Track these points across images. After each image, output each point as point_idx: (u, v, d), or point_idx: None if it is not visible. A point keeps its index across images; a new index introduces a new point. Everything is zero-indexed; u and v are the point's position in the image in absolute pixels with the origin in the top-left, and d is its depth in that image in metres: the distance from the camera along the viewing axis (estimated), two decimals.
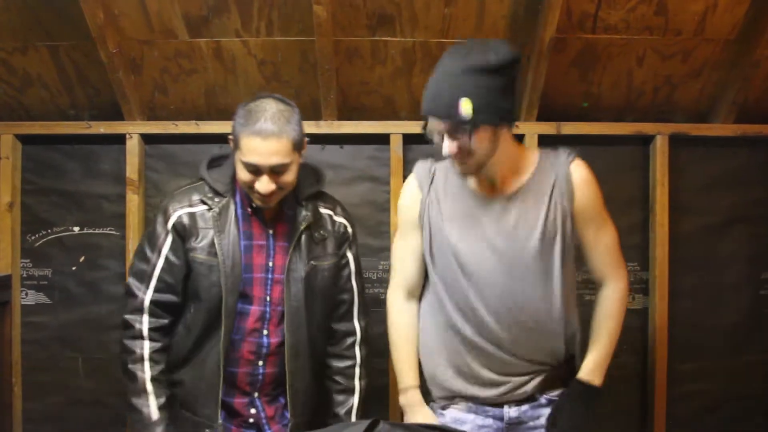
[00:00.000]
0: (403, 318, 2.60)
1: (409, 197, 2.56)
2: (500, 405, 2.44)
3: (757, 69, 3.41)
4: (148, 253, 2.54)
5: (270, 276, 2.54)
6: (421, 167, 2.57)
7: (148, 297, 2.51)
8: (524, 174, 2.40)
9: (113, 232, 3.64)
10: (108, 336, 3.58)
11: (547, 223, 2.34)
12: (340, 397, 2.69)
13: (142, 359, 2.48)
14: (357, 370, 2.70)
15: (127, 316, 2.52)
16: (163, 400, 2.47)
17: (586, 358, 2.44)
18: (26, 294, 3.64)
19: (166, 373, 2.53)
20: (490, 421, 2.45)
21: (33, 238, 3.66)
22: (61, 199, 3.65)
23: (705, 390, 3.65)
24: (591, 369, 2.42)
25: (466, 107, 2.15)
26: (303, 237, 2.55)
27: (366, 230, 3.62)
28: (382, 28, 3.29)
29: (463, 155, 2.26)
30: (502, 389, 2.41)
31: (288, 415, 2.57)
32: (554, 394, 2.44)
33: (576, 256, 2.45)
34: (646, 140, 3.58)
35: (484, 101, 2.16)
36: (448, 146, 2.25)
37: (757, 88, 3.53)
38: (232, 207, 2.53)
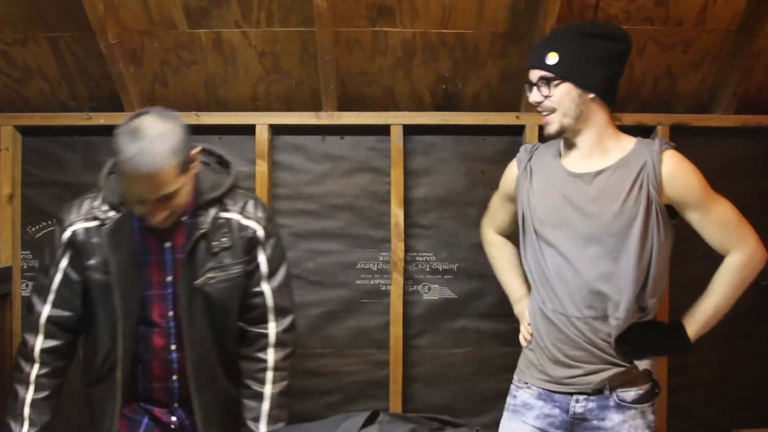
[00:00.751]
0: (498, 242, 2.85)
1: (508, 171, 2.72)
2: (569, 394, 2.44)
3: (758, 59, 3.40)
4: (48, 266, 2.45)
5: (170, 291, 2.43)
6: (523, 147, 2.68)
7: (45, 312, 2.41)
8: (615, 155, 2.41)
9: None
10: None
11: (626, 204, 2.33)
12: (250, 403, 2.50)
13: (27, 381, 2.41)
14: (268, 374, 2.50)
15: (24, 334, 2.46)
16: (35, 429, 2.39)
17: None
18: (27, 285, 3.63)
19: (50, 399, 2.44)
20: (556, 412, 2.46)
21: (33, 229, 3.66)
22: (62, 190, 3.64)
23: (706, 380, 3.65)
24: (692, 320, 2.50)
25: (552, 57, 2.35)
26: (199, 248, 2.40)
27: (366, 222, 3.63)
28: (383, 19, 3.28)
29: (545, 107, 2.39)
30: (571, 372, 2.41)
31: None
32: (625, 394, 2.42)
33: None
34: (647, 131, 3.56)
35: (572, 59, 2.34)
36: (533, 95, 2.41)
37: (758, 78, 3.52)
38: (127, 221, 2.38)
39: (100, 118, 3.53)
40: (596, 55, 2.35)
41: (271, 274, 2.54)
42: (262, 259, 2.52)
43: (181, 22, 3.29)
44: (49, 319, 2.42)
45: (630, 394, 2.42)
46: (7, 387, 3.51)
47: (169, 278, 2.43)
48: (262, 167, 3.55)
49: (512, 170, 2.67)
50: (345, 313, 3.66)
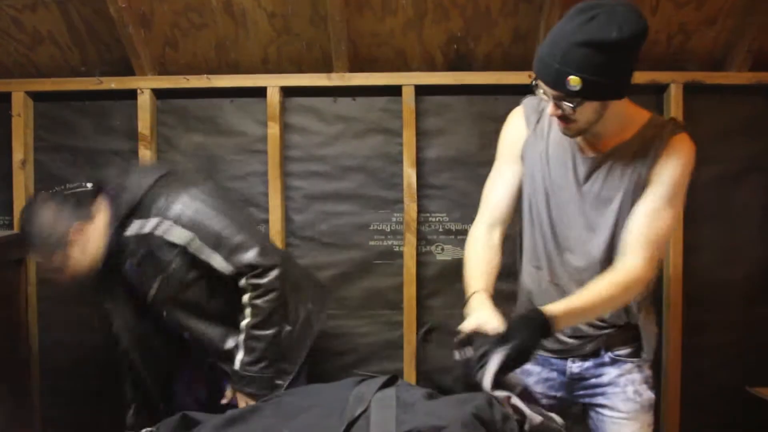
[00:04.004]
0: (477, 243, 2.43)
1: (514, 130, 2.47)
2: (564, 358, 2.45)
3: None
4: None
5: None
6: (529, 102, 2.46)
7: None
8: (626, 133, 2.28)
9: None
10: None
11: (628, 190, 2.26)
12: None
13: None
14: (245, 311, 2.61)
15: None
16: None
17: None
18: None
19: None
20: (554, 375, 2.48)
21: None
22: (74, 155, 3.66)
23: (720, 342, 3.64)
24: (556, 307, 2.12)
25: (574, 84, 2.05)
26: (129, 272, 2.65)
27: (379, 183, 3.64)
28: None
29: (565, 120, 2.18)
30: (568, 341, 2.43)
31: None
32: (619, 352, 2.42)
33: None
34: (660, 89, 3.54)
35: (595, 79, 2.04)
36: (552, 109, 2.17)
37: None
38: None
39: (111, 83, 3.53)
40: (618, 67, 2.08)
41: (203, 239, 2.57)
42: (180, 242, 2.58)
43: None
44: None
45: (625, 350, 2.42)
46: (27, 350, 3.58)
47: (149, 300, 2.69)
48: (273, 129, 3.55)
49: (519, 129, 2.45)
50: (358, 275, 3.67)
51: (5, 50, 3.55)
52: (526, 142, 2.41)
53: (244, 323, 2.60)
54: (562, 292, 2.32)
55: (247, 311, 2.59)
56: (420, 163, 3.59)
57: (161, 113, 3.64)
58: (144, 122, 3.55)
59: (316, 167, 3.65)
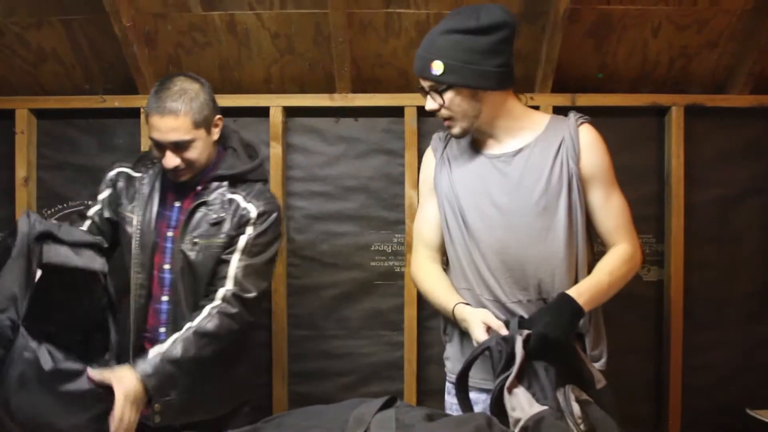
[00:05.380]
0: (427, 267, 2.57)
1: (425, 165, 2.64)
2: None
3: None
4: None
5: (170, 246, 2.62)
6: (436, 136, 2.65)
7: None
8: (531, 134, 2.42)
9: None
10: None
11: (551, 179, 2.33)
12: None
13: None
14: (196, 317, 2.48)
15: None
16: None
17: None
18: None
19: None
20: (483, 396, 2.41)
21: (48, 212, 3.67)
22: (77, 173, 3.67)
23: (721, 361, 3.63)
24: (579, 290, 2.26)
25: (436, 68, 2.27)
26: (197, 214, 2.59)
27: (381, 203, 3.64)
28: (396, 1, 3.28)
29: (442, 115, 2.38)
30: None
31: None
32: None
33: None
34: (662, 111, 3.56)
35: (458, 63, 2.26)
36: (428, 103, 2.37)
37: None
38: (159, 176, 2.67)
39: (115, 101, 3.54)
40: (480, 51, 2.26)
41: (246, 252, 2.58)
42: (243, 236, 2.59)
43: (194, 4, 3.29)
44: None
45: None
46: None
47: (170, 233, 2.62)
48: (276, 149, 3.55)
49: (428, 161, 2.63)
50: (359, 295, 3.66)
51: (9, 67, 3.57)
52: (435, 169, 2.56)
53: (187, 324, 2.45)
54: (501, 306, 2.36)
55: (198, 316, 2.47)
56: None
57: None
58: (147, 140, 3.55)
59: (318, 187, 3.65)
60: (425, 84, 2.36)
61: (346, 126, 3.64)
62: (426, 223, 2.60)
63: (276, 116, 3.55)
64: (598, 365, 2.35)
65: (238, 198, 2.62)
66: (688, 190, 3.53)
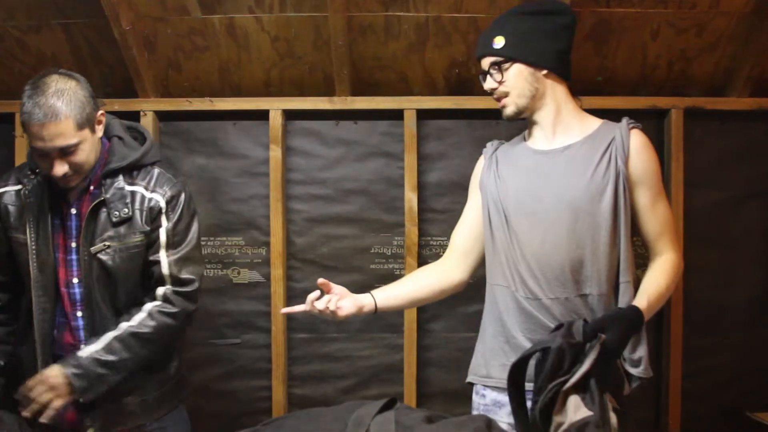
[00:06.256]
0: (418, 271, 2.74)
1: (475, 169, 2.72)
2: None
3: None
4: None
5: (75, 257, 2.51)
6: (489, 143, 2.73)
7: None
8: (581, 133, 2.44)
9: None
10: None
11: (596, 174, 2.34)
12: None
13: None
14: (135, 316, 2.49)
15: None
16: None
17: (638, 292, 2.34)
18: None
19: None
20: (528, 404, 2.41)
21: None
22: None
23: (720, 365, 3.63)
24: (648, 303, 2.25)
25: (498, 41, 2.41)
26: (100, 216, 2.48)
27: (380, 206, 3.64)
28: (395, 3, 3.28)
29: (499, 92, 2.44)
30: None
31: None
32: None
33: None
34: (661, 114, 3.56)
35: (518, 39, 2.39)
36: (487, 82, 2.46)
37: None
38: (44, 185, 2.50)
39: (114, 104, 3.53)
40: (541, 30, 2.41)
41: (171, 245, 2.55)
42: (162, 229, 2.54)
43: (194, 8, 3.30)
44: None
45: None
46: None
47: (73, 244, 2.51)
48: (275, 152, 3.56)
49: (479, 162, 2.71)
50: None
51: (9, 71, 3.57)
52: (483, 169, 2.62)
53: (124, 325, 2.45)
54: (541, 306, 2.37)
55: (137, 316, 2.48)
56: (421, 187, 3.59)
57: (164, 135, 3.65)
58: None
59: (318, 190, 3.65)
60: (485, 63, 2.46)
61: (346, 129, 3.65)
62: (460, 225, 2.71)
63: (276, 119, 3.55)
64: (637, 371, 2.35)
65: (140, 189, 2.53)
66: (687, 193, 3.53)
